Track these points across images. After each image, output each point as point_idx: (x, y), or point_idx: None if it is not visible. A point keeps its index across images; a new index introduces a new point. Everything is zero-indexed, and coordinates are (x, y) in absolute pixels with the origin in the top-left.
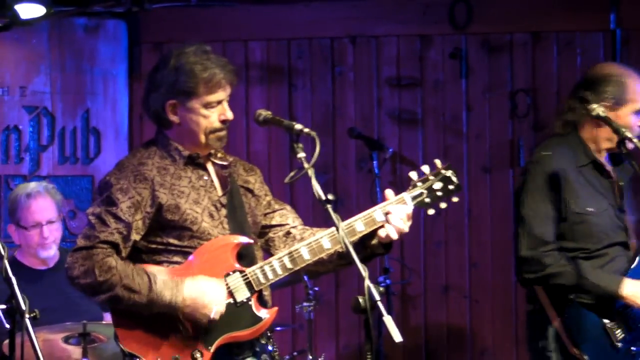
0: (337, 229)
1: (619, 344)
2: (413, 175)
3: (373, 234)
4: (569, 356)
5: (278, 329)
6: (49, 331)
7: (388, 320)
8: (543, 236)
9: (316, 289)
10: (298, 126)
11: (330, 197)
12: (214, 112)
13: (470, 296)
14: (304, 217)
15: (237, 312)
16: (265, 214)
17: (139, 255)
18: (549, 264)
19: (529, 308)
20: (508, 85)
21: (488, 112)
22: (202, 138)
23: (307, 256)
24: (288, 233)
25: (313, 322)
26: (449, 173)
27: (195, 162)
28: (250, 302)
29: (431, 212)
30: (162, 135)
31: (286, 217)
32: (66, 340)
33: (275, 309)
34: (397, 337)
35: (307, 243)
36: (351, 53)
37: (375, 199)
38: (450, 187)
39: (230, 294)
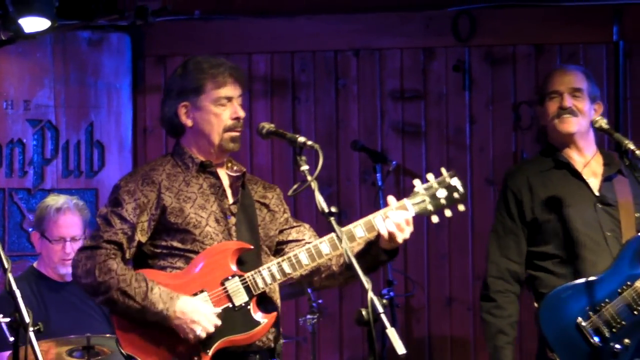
0: (340, 242)
1: (597, 343)
2: (416, 182)
3: (377, 240)
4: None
5: (282, 341)
6: (53, 344)
7: (391, 332)
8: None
9: (320, 301)
10: (301, 139)
11: (333, 209)
12: (225, 110)
13: (474, 309)
14: None
15: (235, 317)
16: (282, 230)
17: (144, 259)
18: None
19: None
20: (511, 98)
21: (491, 124)
22: (216, 138)
23: (305, 260)
24: None
25: (317, 335)
26: (453, 181)
27: (208, 170)
28: (248, 307)
29: (435, 219)
30: (178, 145)
31: (303, 233)
32: (70, 353)
33: (274, 314)
34: (401, 349)
35: (306, 248)
36: (354, 66)
37: None
38: (456, 195)
39: (229, 298)
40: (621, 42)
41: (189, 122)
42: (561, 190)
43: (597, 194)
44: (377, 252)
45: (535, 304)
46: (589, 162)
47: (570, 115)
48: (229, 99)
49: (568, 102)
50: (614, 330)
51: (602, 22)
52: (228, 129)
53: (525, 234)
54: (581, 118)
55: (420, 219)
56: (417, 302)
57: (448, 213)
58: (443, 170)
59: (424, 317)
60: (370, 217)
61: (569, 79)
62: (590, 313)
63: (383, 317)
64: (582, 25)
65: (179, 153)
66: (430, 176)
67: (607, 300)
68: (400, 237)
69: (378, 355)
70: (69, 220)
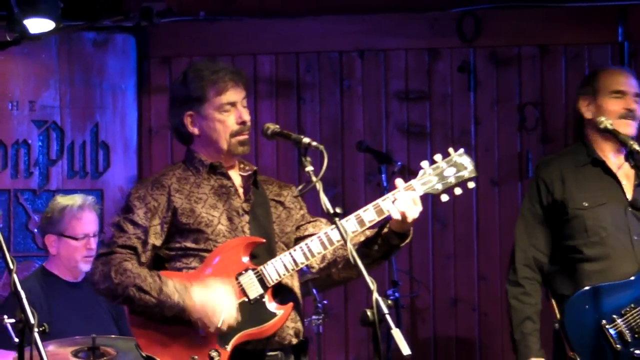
0: (345, 242)
1: (619, 347)
2: (424, 164)
3: (387, 223)
4: (564, 358)
5: (304, 338)
6: (58, 345)
7: (396, 333)
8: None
9: (325, 302)
10: (306, 140)
11: (338, 210)
12: (229, 116)
13: (479, 309)
14: None
15: (251, 310)
16: (299, 227)
17: (161, 264)
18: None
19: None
20: (516, 99)
21: (496, 125)
22: (224, 144)
23: (316, 248)
24: None
25: (322, 336)
26: (461, 159)
27: (219, 172)
28: (264, 299)
29: (444, 198)
30: (188, 151)
31: (319, 227)
32: (75, 354)
33: (290, 304)
34: (406, 350)
35: (317, 236)
36: (359, 67)
37: None
38: (464, 173)
39: (244, 292)
40: (626, 43)
41: (195, 131)
42: (594, 188)
43: (629, 197)
44: (388, 235)
45: (554, 301)
46: (622, 165)
47: (632, 119)
48: (233, 104)
49: (634, 104)
50: (636, 335)
51: (607, 23)
52: (235, 134)
53: (553, 226)
54: (636, 122)
55: (425, 220)
56: (422, 303)
57: (458, 191)
58: (451, 150)
59: (429, 318)
60: (378, 201)
61: (633, 82)
62: (615, 317)
63: (388, 317)
64: (587, 26)
65: (189, 159)
66: (437, 157)
67: (632, 305)
68: (410, 216)
69: (383, 356)
70: (90, 217)
